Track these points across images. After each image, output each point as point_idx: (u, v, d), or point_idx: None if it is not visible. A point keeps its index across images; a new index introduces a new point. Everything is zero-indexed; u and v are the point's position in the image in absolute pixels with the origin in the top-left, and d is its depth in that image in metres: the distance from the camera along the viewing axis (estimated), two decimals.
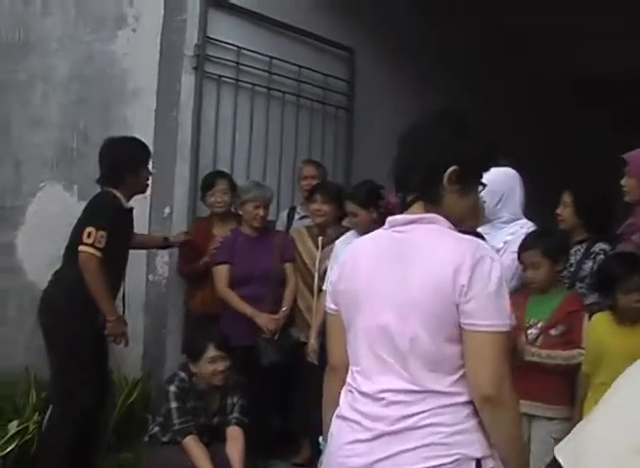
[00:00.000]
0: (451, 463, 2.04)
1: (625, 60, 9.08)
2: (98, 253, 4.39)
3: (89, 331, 4.50)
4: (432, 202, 2.18)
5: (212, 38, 5.68)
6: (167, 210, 5.57)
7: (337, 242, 5.12)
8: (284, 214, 5.99)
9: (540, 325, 3.94)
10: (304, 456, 5.28)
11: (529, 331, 3.96)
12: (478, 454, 2.06)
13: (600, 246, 4.30)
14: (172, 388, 4.44)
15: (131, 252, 5.08)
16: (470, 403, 2.08)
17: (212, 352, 4.41)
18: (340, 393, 2.31)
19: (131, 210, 4.74)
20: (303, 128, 6.54)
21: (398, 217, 2.23)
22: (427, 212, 2.18)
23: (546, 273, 3.97)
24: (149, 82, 5.56)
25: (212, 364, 4.41)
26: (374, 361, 2.18)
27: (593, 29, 8.37)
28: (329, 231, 5.32)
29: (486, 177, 4.54)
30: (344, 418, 2.23)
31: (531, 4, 7.71)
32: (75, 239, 4.48)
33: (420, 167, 2.18)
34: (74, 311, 4.46)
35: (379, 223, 4.65)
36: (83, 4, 5.73)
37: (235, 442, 4.42)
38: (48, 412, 4.57)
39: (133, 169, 4.63)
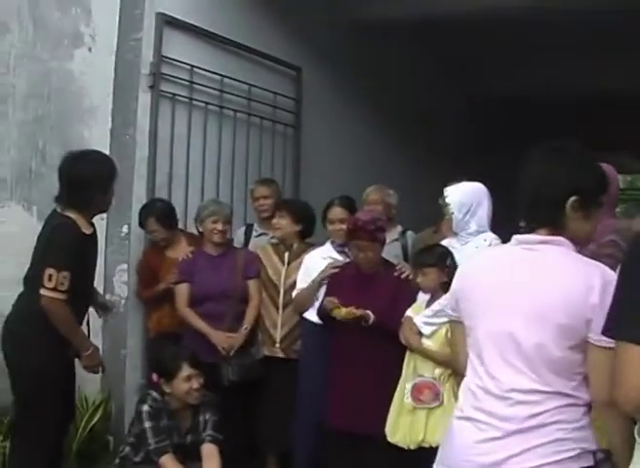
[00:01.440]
0: (575, 456, 2.28)
1: None
2: (61, 297, 4.09)
3: (58, 363, 4.22)
4: (557, 228, 2.43)
5: (166, 57, 5.69)
6: (124, 229, 5.53)
7: (307, 255, 5.18)
8: (241, 232, 6.00)
9: None
10: None
11: None
12: (594, 447, 2.30)
13: None
14: (145, 408, 4.39)
15: None
16: (586, 404, 2.32)
17: (186, 370, 4.39)
18: None
19: (93, 232, 4.43)
20: (254, 146, 6.59)
21: (530, 237, 2.47)
22: (553, 235, 2.43)
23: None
24: (106, 100, 5.53)
25: (187, 382, 4.38)
26: (500, 363, 2.38)
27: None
28: (294, 247, 5.37)
29: (455, 191, 4.67)
30: (468, 419, 2.42)
31: (465, 28, 7.97)
32: (37, 267, 4.20)
33: (545, 201, 2.43)
34: (42, 344, 4.16)
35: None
36: (41, 23, 5.66)
37: (211, 459, 4.38)
38: (11, 443, 4.42)
39: (104, 187, 4.33)
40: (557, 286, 2.34)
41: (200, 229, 5.40)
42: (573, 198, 2.38)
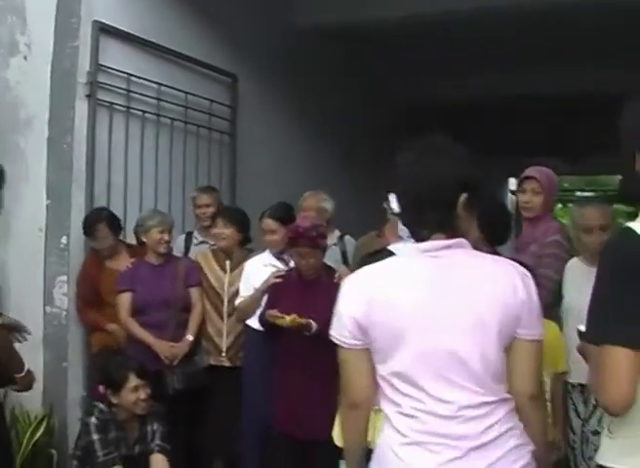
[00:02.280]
0: (530, 459, 2.27)
1: None
2: None
3: None
4: (453, 229, 2.31)
5: (103, 65, 5.63)
6: (63, 240, 5.45)
7: (246, 264, 5.20)
8: (180, 240, 5.98)
9: None
10: None
11: None
12: (532, 446, 2.29)
13: None
14: (92, 420, 4.35)
15: (27, 282, 4.99)
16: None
17: (133, 381, 4.36)
18: (365, 428, 2.39)
19: None
20: (191, 153, 6.58)
21: (433, 244, 2.29)
22: (450, 238, 2.30)
23: None
24: (42, 110, 5.44)
25: (134, 393, 4.36)
26: (442, 383, 2.24)
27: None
28: (235, 254, 5.39)
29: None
30: (417, 443, 2.25)
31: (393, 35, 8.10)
32: None
33: (435, 203, 2.28)
34: None
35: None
36: None
37: None
38: None
39: None
40: (487, 291, 2.26)
41: (144, 239, 5.35)
42: (464, 196, 2.28)
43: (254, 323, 5.01)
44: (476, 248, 4.73)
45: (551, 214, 4.84)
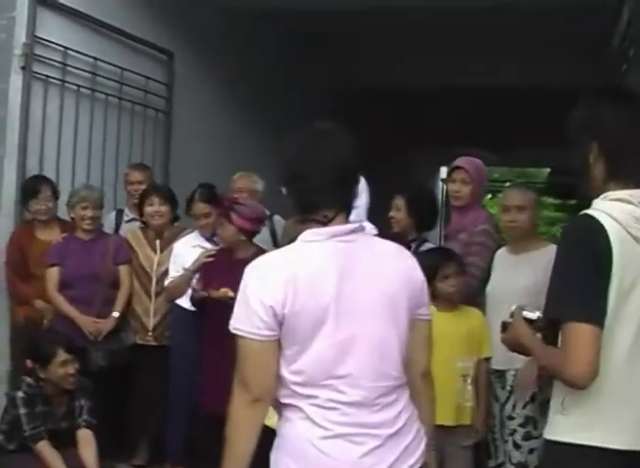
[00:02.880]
0: (425, 438, 2.35)
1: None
2: None
3: None
4: (349, 213, 2.34)
5: (39, 37, 5.58)
6: None
7: (176, 244, 5.24)
8: (111, 217, 5.98)
9: None
10: (143, 457, 5.37)
11: None
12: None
13: (428, 245, 4.73)
14: (19, 394, 4.38)
15: None
16: None
17: (62, 356, 4.40)
18: (261, 423, 2.26)
19: None
20: (125, 130, 6.57)
21: (340, 228, 2.27)
22: (347, 221, 2.31)
23: None
24: None
25: (63, 367, 4.39)
26: (364, 371, 2.22)
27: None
28: (166, 233, 5.42)
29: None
30: (341, 436, 2.20)
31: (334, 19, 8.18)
32: None
33: (339, 186, 2.27)
34: None
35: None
36: None
37: (88, 444, 4.44)
38: None
39: None
40: (397, 275, 2.30)
41: (72, 215, 5.35)
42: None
43: (183, 302, 5.06)
44: (405, 233, 4.89)
45: (480, 203, 4.94)
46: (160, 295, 5.30)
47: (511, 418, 4.04)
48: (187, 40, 7.26)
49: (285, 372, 2.23)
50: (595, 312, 2.07)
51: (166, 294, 5.22)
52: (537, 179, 22.08)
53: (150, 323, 5.35)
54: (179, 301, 5.13)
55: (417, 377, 2.38)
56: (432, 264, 4.25)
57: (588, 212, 2.17)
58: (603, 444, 2.04)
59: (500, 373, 4.14)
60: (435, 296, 4.25)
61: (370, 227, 4.67)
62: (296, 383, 2.22)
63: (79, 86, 6.06)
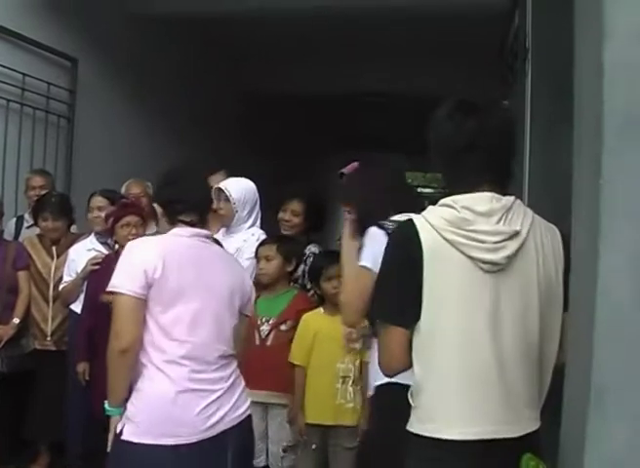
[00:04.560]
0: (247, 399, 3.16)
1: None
2: None
3: None
4: (206, 222, 3.29)
5: None
6: None
7: (71, 249, 5.32)
8: (11, 223, 5.96)
9: (271, 321, 4.43)
10: (43, 463, 5.38)
11: (261, 328, 4.43)
12: None
13: (311, 248, 4.86)
14: None
15: None
16: None
17: None
18: (131, 371, 2.90)
19: None
20: (26, 136, 6.51)
21: (202, 231, 3.19)
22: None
23: (277, 268, 4.48)
24: None
25: None
26: (210, 337, 3.00)
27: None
28: (62, 240, 5.45)
29: (237, 187, 4.94)
30: (191, 390, 2.90)
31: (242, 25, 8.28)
32: None
33: (203, 204, 3.30)
34: None
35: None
36: None
37: None
38: None
39: None
40: (237, 275, 3.24)
41: None
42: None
43: (77, 307, 5.15)
44: (297, 236, 5.02)
45: None
46: (57, 301, 5.33)
47: None
48: (92, 46, 7.25)
49: (151, 328, 2.92)
50: (404, 318, 2.24)
51: (60, 299, 5.30)
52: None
53: (49, 328, 5.37)
54: (72, 306, 5.20)
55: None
56: (317, 266, 4.42)
57: (413, 216, 2.30)
58: (433, 434, 2.19)
59: None
60: (323, 300, 4.42)
61: (259, 233, 4.84)
62: (157, 338, 2.91)
63: None
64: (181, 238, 3.10)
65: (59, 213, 5.41)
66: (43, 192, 5.79)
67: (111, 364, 2.90)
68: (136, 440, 2.84)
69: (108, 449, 2.97)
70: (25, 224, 5.96)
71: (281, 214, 5.01)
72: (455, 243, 2.19)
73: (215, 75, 9.76)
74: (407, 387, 2.32)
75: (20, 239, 5.78)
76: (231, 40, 8.95)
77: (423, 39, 8.22)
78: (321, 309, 4.45)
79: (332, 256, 4.42)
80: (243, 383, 3.12)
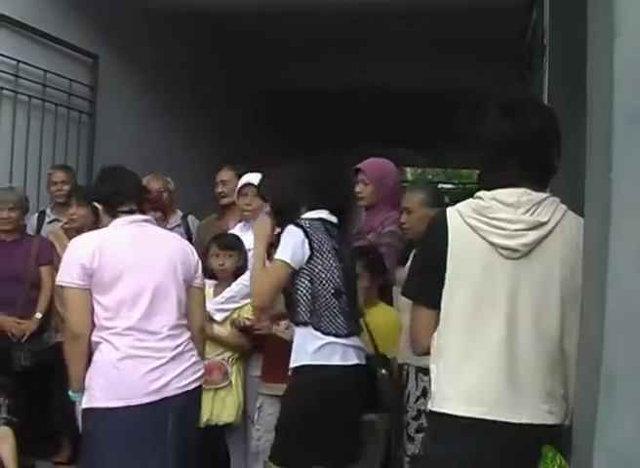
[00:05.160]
0: (202, 372, 3.50)
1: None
2: None
3: None
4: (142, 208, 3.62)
5: None
6: None
7: None
8: (33, 218, 6.03)
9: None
10: (65, 455, 5.45)
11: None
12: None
13: None
14: None
15: None
16: None
17: None
18: (85, 353, 3.27)
19: None
20: (48, 132, 6.63)
21: (139, 217, 3.52)
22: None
23: None
24: None
25: None
26: (152, 308, 3.31)
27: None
28: (85, 231, 5.47)
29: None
30: (133, 357, 3.23)
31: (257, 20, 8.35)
32: None
33: (139, 196, 3.65)
34: None
35: None
36: None
37: (6, 441, 4.52)
38: None
39: None
40: (177, 250, 3.53)
41: None
42: None
43: None
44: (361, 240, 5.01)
45: (391, 204, 4.83)
46: None
47: (405, 411, 4.11)
48: (112, 42, 7.36)
49: (99, 310, 3.27)
50: (427, 295, 2.41)
51: None
52: (468, 180, 22.50)
53: None
54: None
55: (194, 331, 3.52)
56: None
57: (449, 209, 2.45)
58: (440, 409, 2.34)
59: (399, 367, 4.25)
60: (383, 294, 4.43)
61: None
62: (105, 319, 3.26)
63: (1, 88, 6.12)
64: (119, 227, 3.46)
65: (84, 200, 5.46)
66: (65, 187, 5.87)
67: (67, 350, 3.33)
68: (91, 405, 3.26)
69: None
70: (47, 219, 6.05)
71: None
72: (476, 228, 2.33)
73: (232, 68, 9.83)
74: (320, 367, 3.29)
75: (42, 234, 5.85)
76: (243, 37, 9.02)
77: (438, 34, 8.24)
78: None
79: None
80: (196, 358, 3.44)
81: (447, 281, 2.35)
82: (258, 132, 10.90)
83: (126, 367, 3.22)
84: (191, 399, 3.39)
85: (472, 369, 2.30)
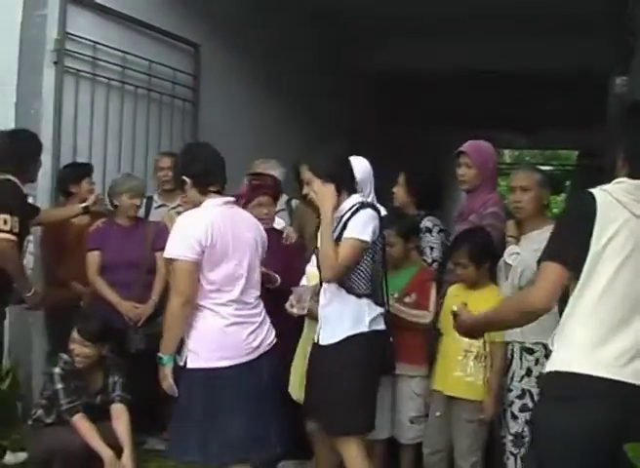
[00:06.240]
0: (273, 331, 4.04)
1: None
2: (15, 239, 4.72)
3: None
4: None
5: (70, 33, 5.84)
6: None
7: None
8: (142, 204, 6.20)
9: (395, 295, 4.45)
10: None
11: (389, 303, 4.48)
12: None
13: (426, 222, 4.86)
14: (56, 370, 4.64)
15: None
16: None
17: (74, 334, 4.67)
18: (186, 321, 3.77)
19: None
20: (154, 120, 6.83)
21: (229, 198, 3.92)
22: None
23: (399, 250, 4.54)
24: (10, 76, 5.64)
25: (72, 344, 4.67)
26: (248, 283, 3.86)
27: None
28: None
29: (360, 168, 4.90)
30: (237, 323, 3.81)
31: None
32: None
33: (223, 175, 4.03)
34: None
35: None
36: None
37: (121, 418, 4.68)
38: None
39: (34, 160, 5.04)
40: (257, 230, 4.02)
41: (115, 203, 5.57)
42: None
43: None
44: (404, 208, 5.08)
45: (491, 186, 4.87)
46: None
47: (509, 390, 4.12)
48: (213, 31, 7.50)
49: (204, 283, 3.75)
50: (563, 254, 2.62)
51: None
52: (567, 162, 22.08)
53: None
54: None
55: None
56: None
57: (592, 189, 2.66)
58: (562, 368, 2.57)
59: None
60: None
61: (381, 208, 4.89)
62: (210, 291, 3.76)
63: (109, 79, 6.33)
64: (218, 207, 3.84)
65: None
66: (171, 173, 6.01)
67: (172, 316, 3.78)
68: (198, 366, 3.76)
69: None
70: (154, 205, 6.22)
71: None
72: (623, 202, 2.60)
73: (337, 53, 9.89)
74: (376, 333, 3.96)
75: (150, 218, 6.03)
76: (349, 21, 9.04)
77: (537, 14, 8.13)
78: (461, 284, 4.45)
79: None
80: (268, 320, 3.99)
81: (592, 246, 2.56)
82: (365, 116, 10.95)
83: (232, 331, 3.78)
84: (275, 354, 3.97)
85: (603, 332, 2.54)
